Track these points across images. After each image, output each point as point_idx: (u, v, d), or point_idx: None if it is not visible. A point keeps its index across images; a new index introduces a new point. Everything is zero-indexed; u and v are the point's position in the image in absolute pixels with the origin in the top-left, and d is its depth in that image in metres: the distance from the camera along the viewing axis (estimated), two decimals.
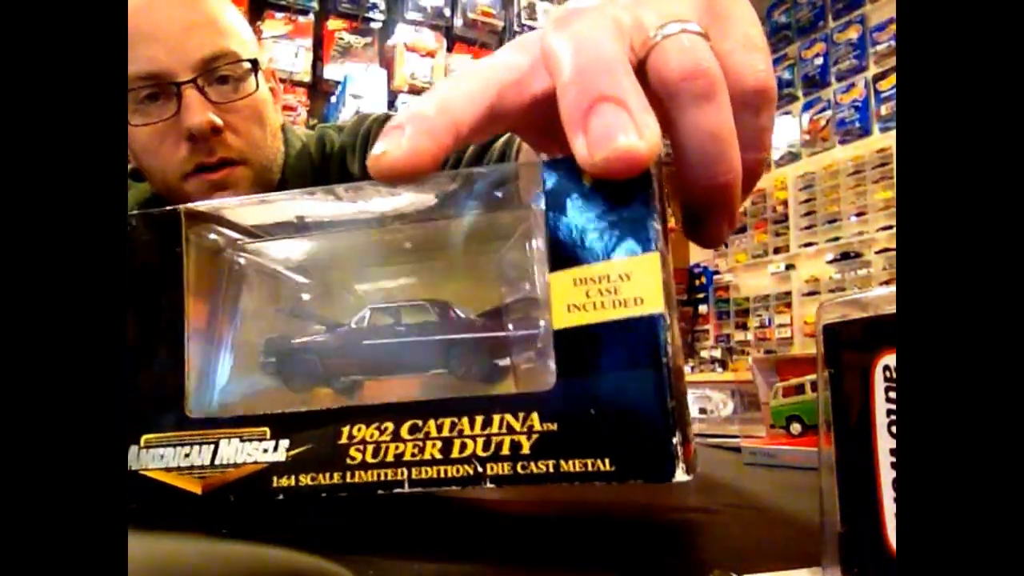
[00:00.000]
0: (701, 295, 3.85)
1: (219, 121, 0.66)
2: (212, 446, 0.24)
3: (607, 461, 0.22)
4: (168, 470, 0.24)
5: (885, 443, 0.17)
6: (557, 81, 0.23)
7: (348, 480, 0.24)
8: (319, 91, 2.97)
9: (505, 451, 0.23)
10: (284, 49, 2.82)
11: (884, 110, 3.07)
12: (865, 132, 3.14)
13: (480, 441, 0.23)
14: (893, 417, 0.17)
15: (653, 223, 0.22)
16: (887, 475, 0.17)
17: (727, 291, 3.73)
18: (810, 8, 3.42)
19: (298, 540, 0.22)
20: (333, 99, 2.93)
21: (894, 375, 0.17)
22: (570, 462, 0.22)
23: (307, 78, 2.89)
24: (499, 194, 0.25)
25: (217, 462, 0.24)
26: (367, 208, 0.26)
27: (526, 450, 0.22)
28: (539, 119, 0.26)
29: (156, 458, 0.25)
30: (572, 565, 0.23)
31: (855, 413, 0.18)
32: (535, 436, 0.22)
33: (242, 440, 0.24)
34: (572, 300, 0.22)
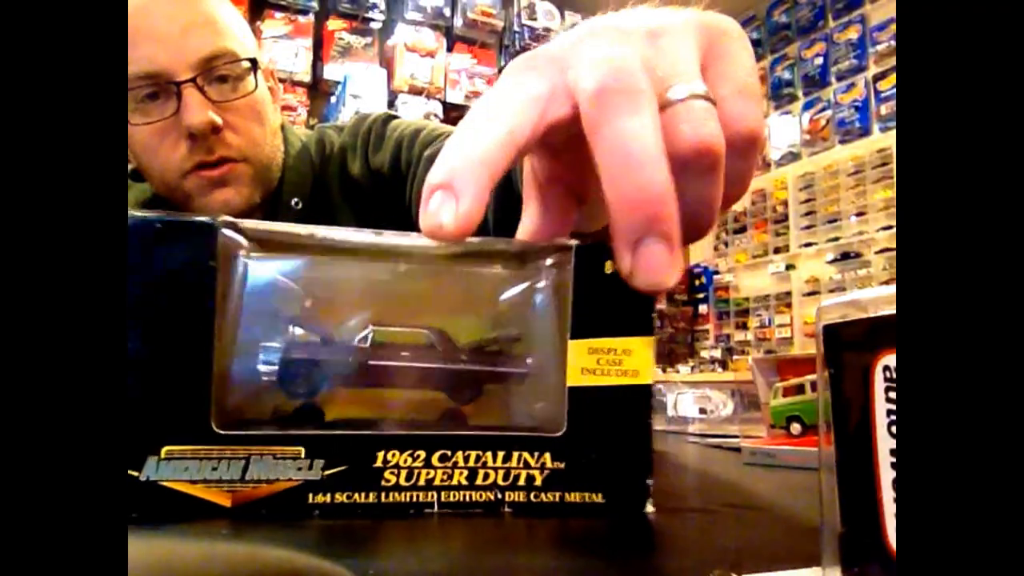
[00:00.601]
0: (701, 295, 3.85)
1: (219, 120, 0.67)
2: (242, 462, 0.25)
3: (600, 495, 0.27)
4: (193, 482, 0.24)
5: (885, 443, 0.17)
6: (611, 189, 0.24)
7: (383, 500, 0.26)
8: (319, 91, 2.97)
9: (521, 482, 0.27)
10: (284, 49, 2.82)
11: (884, 110, 3.07)
12: (865, 132, 3.14)
13: (501, 472, 0.27)
14: (893, 417, 0.17)
15: (652, 311, 0.28)
16: (887, 475, 0.17)
17: (727, 291, 3.73)
18: (810, 8, 3.42)
19: (298, 540, 0.22)
20: (333, 99, 2.93)
21: (894, 375, 0.17)
22: (572, 495, 0.27)
23: (307, 78, 2.89)
24: (523, 257, 0.29)
25: (248, 477, 0.25)
26: (385, 239, 0.27)
27: (539, 483, 0.27)
28: (545, 139, 0.27)
29: (179, 470, 0.24)
30: (572, 565, 0.23)
31: (855, 413, 0.18)
32: (547, 471, 0.27)
33: (275, 458, 0.25)
34: (585, 364, 0.27)
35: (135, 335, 0.24)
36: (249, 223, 0.26)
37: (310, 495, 0.25)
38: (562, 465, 0.27)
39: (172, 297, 0.25)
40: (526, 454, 0.27)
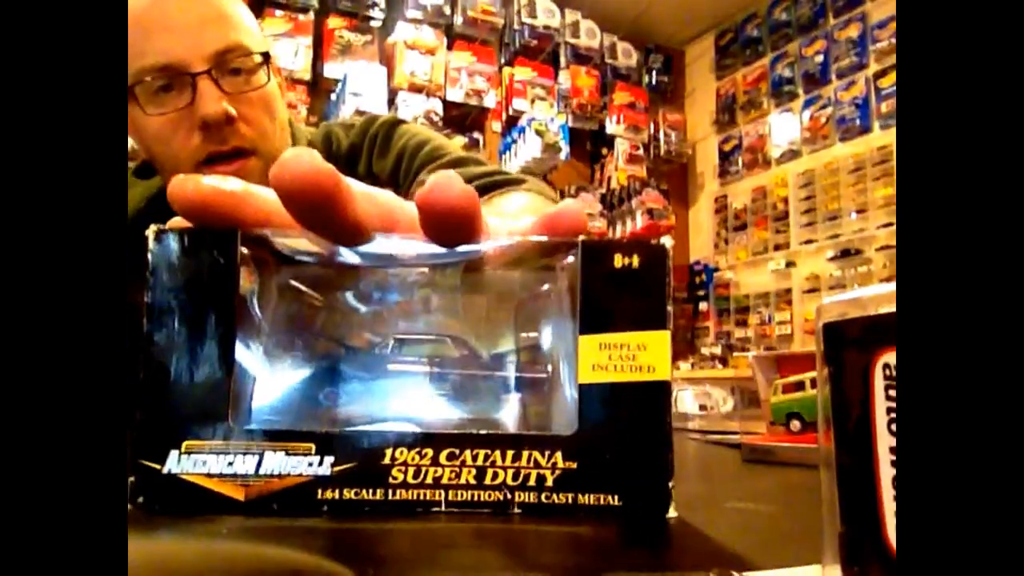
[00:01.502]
0: (701, 292, 3.85)
1: (233, 111, 0.69)
2: (257, 457, 0.26)
3: (616, 497, 0.26)
4: (210, 476, 0.25)
5: (885, 442, 0.17)
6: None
7: (390, 497, 0.26)
8: (319, 89, 2.97)
9: (531, 482, 0.26)
10: (284, 47, 2.82)
11: (884, 108, 3.07)
12: (865, 129, 3.14)
13: (510, 472, 0.26)
14: (893, 416, 0.17)
15: (667, 305, 0.27)
16: (887, 474, 0.17)
17: (727, 288, 3.73)
18: (811, 5, 3.42)
19: (298, 540, 0.22)
20: (333, 97, 2.93)
21: (894, 373, 0.17)
22: (586, 496, 0.26)
23: (307, 76, 2.89)
24: (535, 258, 0.29)
25: (261, 472, 0.26)
26: (404, 248, 0.28)
27: (549, 483, 0.26)
28: None
29: (198, 464, 0.25)
30: (571, 565, 0.23)
31: (855, 411, 0.18)
32: (558, 472, 0.26)
33: (288, 454, 0.26)
34: (596, 360, 0.27)
35: (160, 337, 0.26)
36: (272, 234, 0.27)
37: (319, 491, 0.26)
38: (574, 465, 0.26)
39: (195, 302, 0.26)
40: (536, 453, 0.26)
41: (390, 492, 0.26)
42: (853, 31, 3.23)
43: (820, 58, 3.36)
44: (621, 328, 0.27)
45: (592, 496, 0.26)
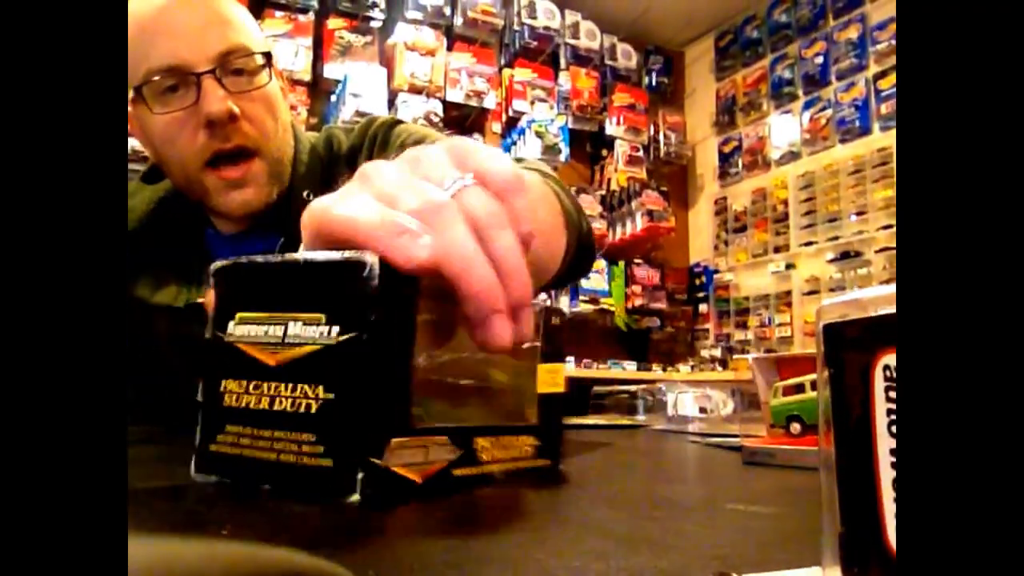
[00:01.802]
0: (701, 294, 3.84)
1: (236, 109, 0.71)
2: (426, 448, 0.33)
3: (548, 460, 0.44)
4: (405, 466, 0.32)
5: (885, 443, 0.17)
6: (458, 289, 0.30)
7: (478, 472, 0.37)
8: (319, 90, 2.97)
9: (528, 453, 0.42)
10: (284, 48, 2.82)
11: (884, 109, 3.07)
12: (865, 131, 3.14)
13: (512, 449, 0.40)
14: (893, 417, 0.17)
15: (563, 348, 0.45)
16: (887, 475, 0.17)
17: (727, 290, 3.73)
18: (810, 7, 3.42)
19: (298, 540, 0.22)
20: (333, 98, 2.93)
21: (894, 375, 0.17)
22: (541, 460, 0.43)
23: (307, 77, 2.89)
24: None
25: (430, 459, 0.33)
26: None
27: (531, 452, 0.42)
28: None
29: (399, 457, 0.31)
30: (571, 565, 0.23)
31: (855, 413, 0.18)
32: (535, 446, 0.42)
33: (437, 445, 0.34)
34: (544, 380, 0.43)
35: (367, 352, 0.30)
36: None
37: (452, 470, 0.34)
38: (539, 442, 0.42)
39: (391, 323, 0.30)
40: (527, 437, 0.42)
41: (480, 467, 0.37)
42: (853, 32, 3.23)
43: (820, 60, 3.36)
44: (550, 361, 0.43)
45: (542, 460, 0.43)
